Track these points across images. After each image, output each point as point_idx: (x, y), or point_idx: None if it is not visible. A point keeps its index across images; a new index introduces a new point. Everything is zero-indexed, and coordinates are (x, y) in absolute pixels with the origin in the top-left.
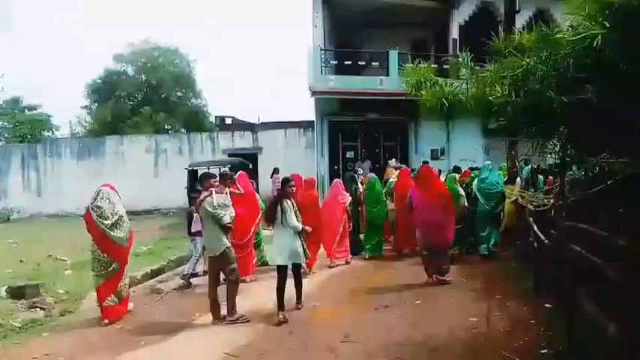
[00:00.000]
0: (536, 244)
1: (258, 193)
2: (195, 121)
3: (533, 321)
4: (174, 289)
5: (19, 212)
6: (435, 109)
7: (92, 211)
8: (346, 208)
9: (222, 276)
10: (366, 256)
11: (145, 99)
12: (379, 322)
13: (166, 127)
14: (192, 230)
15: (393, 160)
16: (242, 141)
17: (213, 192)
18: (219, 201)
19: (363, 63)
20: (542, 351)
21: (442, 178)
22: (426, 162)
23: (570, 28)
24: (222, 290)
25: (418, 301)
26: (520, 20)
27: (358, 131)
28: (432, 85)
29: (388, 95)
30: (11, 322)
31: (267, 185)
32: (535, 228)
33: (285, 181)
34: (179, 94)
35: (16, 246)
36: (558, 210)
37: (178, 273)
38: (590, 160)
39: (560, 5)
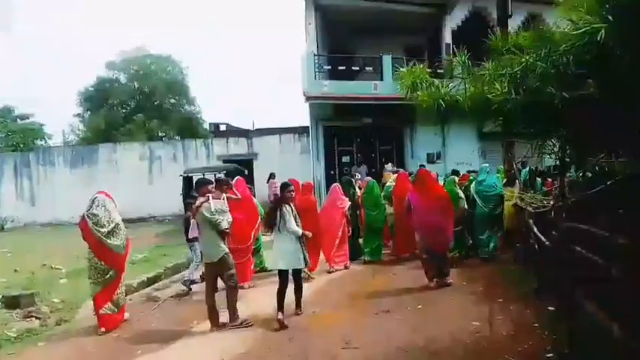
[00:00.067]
0: (536, 246)
1: (255, 198)
2: (189, 128)
3: (536, 324)
4: (171, 296)
5: (12, 221)
6: (431, 110)
7: (88, 219)
8: (345, 213)
9: (219, 282)
10: (365, 259)
11: (137, 106)
12: (380, 327)
13: (160, 134)
14: (190, 237)
15: (390, 164)
16: (237, 147)
17: (211, 198)
18: (217, 206)
19: (357, 68)
20: (548, 355)
21: (440, 182)
22: (422, 166)
23: (570, 23)
24: (219, 297)
25: (419, 306)
26: (512, 24)
27: (354, 136)
28: (427, 86)
29: (383, 100)
30: (6, 331)
31: (263, 190)
32: (535, 230)
33: (284, 186)
34: (172, 101)
35: (10, 255)
36: (558, 211)
37: (175, 280)
38: (589, 161)
39: (552, 10)
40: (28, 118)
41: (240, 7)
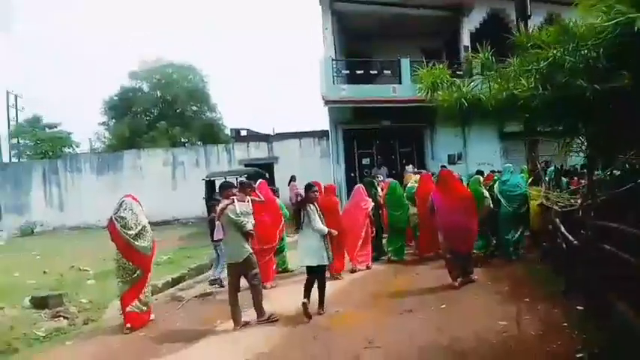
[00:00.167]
0: (564, 245)
1: (279, 199)
2: (210, 134)
3: (565, 324)
4: (195, 296)
5: (42, 226)
6: (453, 110)
7: (116, 222)
8: (369, 214)
9: (241, 282)
10: (389, 257)
11: (160, 114)
12: (403, 327)
13: (182, 140)
14: (215, 238)
15: (410, 165)
16: (257, 151)
17: (236, 200)
18: (242, 209)
19: (375, 72)
20: (578, 355)
21: (463, 183)
22: (443, 167)
23: (601, 15)
24: (242, 296)
25: (443, 305)
26: (531, 25)
27: (373, 138)
28: (448, 87)
29: (401, 102)
30: (35, 331)
31: (284, 193)
32: (563, 229)
33: (308, 187)
34: (194, 108)
35: (39, 258)
36: (587, 210)
37: (199, 281)
38: (619, 158)
39: (571, 10)
40: (56, 126)
41: (259, 14)
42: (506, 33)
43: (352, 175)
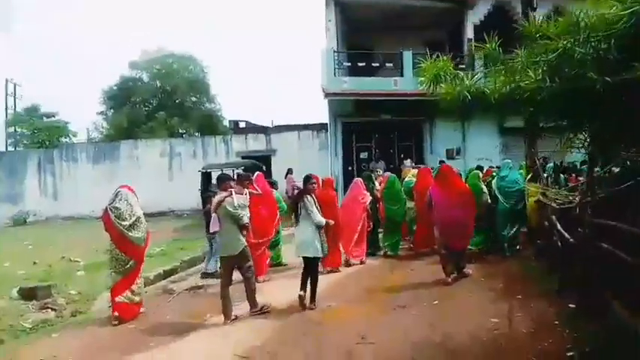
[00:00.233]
0: (559, 243)
1: (277, 191)
2: (209, 125)
3: (557, 322)
4: (187, 289)
5: (35, 215)
6: (456, 102)
7: (110, 212)
8: (366, 207)
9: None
10: (386, 252)
11: (159, 104)
12: (396, 323)
13: (180, 131)
14: (212, 231)
15: (408, 160)
16: (255, 143)
17: (234, 192)
18: (239, 201)
19: (377, 65)
20: (569, 353)
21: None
22: (442, 162)
23: (617, 4)
24: (234, 290)
25: (436, 302)
26: (537, 17)
27: (372, 132)
28: (452, 79)
29: (403, 96)
30: (22, 322)
31: (281, 186)
32: (559, 226)
33: (307, 179)
34: (193, 99)
35: (30, 248)
36: (583, 207)
37: (191, 273)
38: (621, 155)
39: (576, 2)
40: (53, 116)
41: (259, 6)
42: (511, 26)
43: (350, 168)
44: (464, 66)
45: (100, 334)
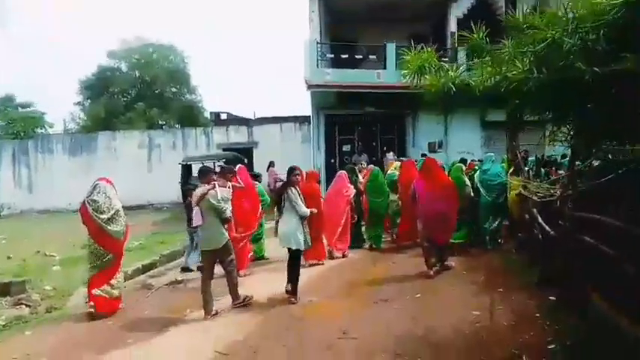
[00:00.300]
0: (540, 236)
1: (260, 184)
2: (189, 117)
3: (538, 315)
4: (166, 284)
5: (9, 208)
6: (439, 94)
7: (88, 205)
8: (350, 201)
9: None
10: (371, 245)
11: (138, 95)
12: (378, 317)
13: (160, 122)
14: (195, 224)
15: (391, 153)
16: (237, 136)
17: (217, 185)
18: (223, 195)
19: (360, 57)
20: (549, 346)
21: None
22: (424, 155)
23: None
24: (214, 284)
25: (418, 295)
26: (519, 12)
27: (355, 125)
28: (436, 71)
29: (386, 88)
30: None
31: (264, 179)
32: (540, 219)
33: (291, 171)
34: (173, 89)
35: (4, 242)
36: (564, 201)
37: (170, 268)
38: (603, 148)
39: None
40: (29, 106)
41: None
42: (494, 19)
43: (332, 161)
44: (447, 59)
45: (75, 330)
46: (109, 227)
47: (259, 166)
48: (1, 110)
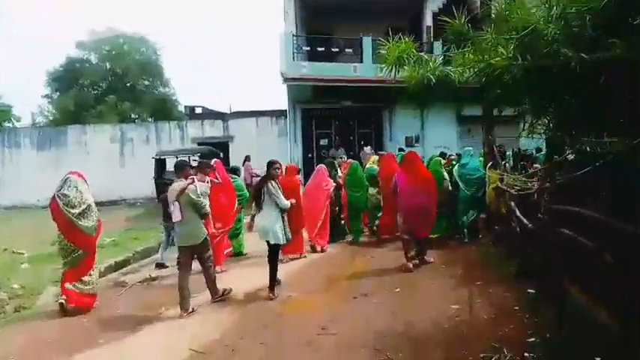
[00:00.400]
0: (518, 229)
1: (240, 178)
2: (162, 110)
3: (517, 308)
4: (140, 281)
5: None
6: (418, 86)
7: (58, 199)
8: (330, 194)
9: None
10: (353, 239)
11: (109, 88)
12: (358, 312)
13: (132, 116)
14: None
15: (368, 147)
16: (212, 130)
17: (196, 180)
18: (202, 190)
19: (337, 50)
20: (529, 339)
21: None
22: (401, 149)
23: None
24: (190, 281)
25: (397, 289)
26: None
27: (332, 119)
28: (415, 62)
29: (362, 82)
30: None
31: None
32: (517, 212)
33: (270, 164)
34: (146, 82)
35: None
36: (541, 193)
37: (144, 265)
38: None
39: None
40: None
41: None
42: (469, 13)
43: (310, 155)
44: (423, 53)
45: (46, 329)
46: (79, 222)
47: (235, 161)
48: None
